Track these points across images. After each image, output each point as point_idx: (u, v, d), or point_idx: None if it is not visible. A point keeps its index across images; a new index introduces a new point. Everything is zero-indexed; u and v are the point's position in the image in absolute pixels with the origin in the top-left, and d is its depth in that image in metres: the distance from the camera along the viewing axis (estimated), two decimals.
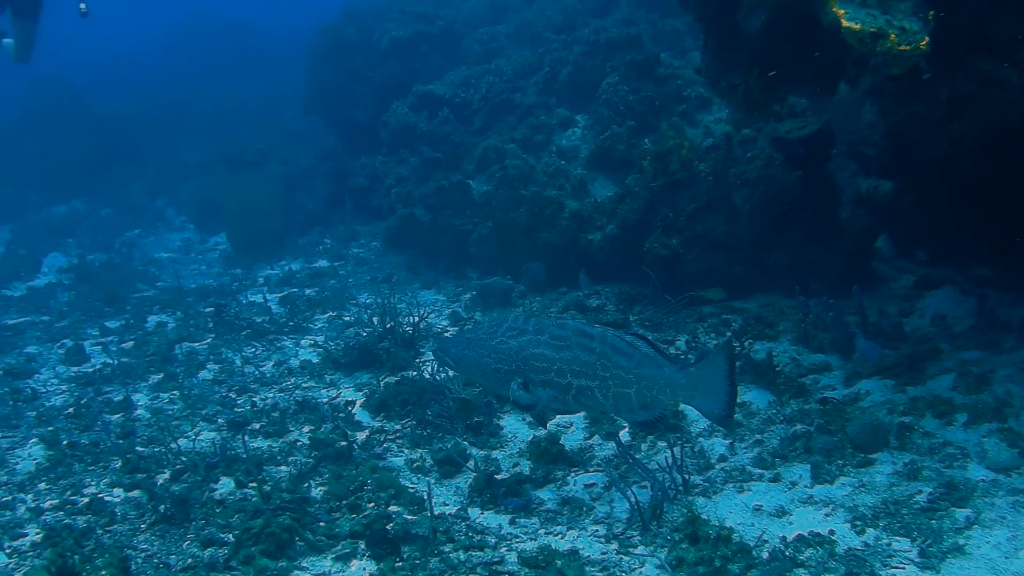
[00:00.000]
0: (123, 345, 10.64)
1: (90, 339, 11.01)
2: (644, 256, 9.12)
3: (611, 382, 5.67)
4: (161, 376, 9.29)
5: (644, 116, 11.33)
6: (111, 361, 9.94)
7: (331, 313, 10.76)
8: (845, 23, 5.16)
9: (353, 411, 7.65)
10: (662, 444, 6.55)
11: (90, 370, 9.82)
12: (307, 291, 11.95)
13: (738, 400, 6.88)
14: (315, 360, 9.21)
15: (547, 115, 12.26)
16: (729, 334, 7.38)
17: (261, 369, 9.22)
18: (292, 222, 15.29)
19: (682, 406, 6.68)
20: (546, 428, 6.73)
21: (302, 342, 9.92)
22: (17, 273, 15.47)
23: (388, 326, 9.00)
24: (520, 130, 12.19)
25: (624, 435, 6.74)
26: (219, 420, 7.92)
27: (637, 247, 9.28)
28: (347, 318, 10.45)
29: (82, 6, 12.52)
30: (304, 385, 8.60)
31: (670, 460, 5.96)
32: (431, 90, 13.81)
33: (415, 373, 8.24)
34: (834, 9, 5.22)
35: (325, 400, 8.04)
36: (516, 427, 7.13)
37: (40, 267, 15.97)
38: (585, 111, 12.14)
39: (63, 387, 9.41)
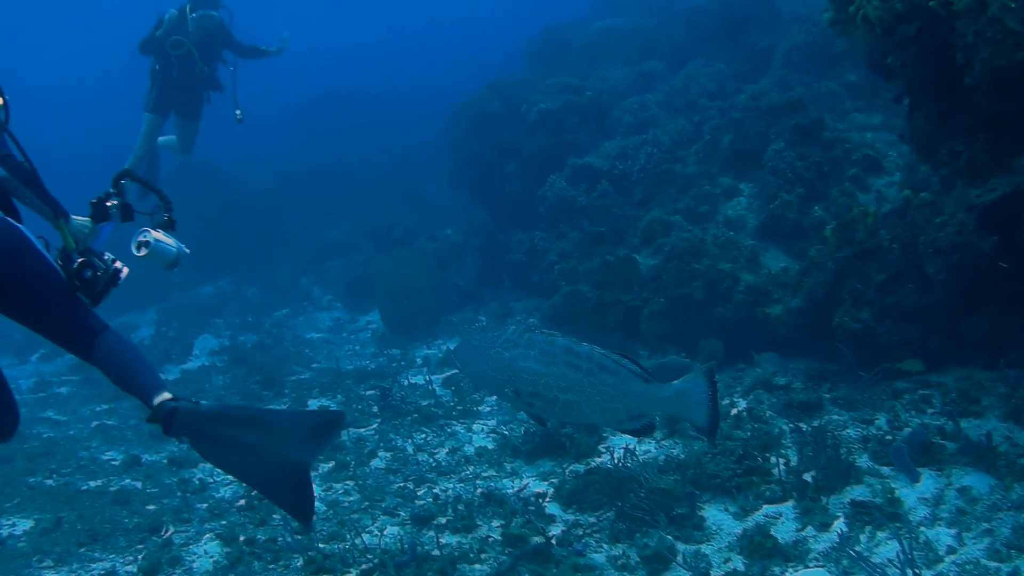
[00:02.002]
0: None
1: None
2: (834, 331, 8.69)
3: (598, 397, 6.22)
4: (332, 465, 9.06)
5: (812, 182, 10.96)
6: None
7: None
8: None
9: (544, 503, 7.33)
10: (881, 534, 6.12)
11: None
12: None
13: (915, 473, 6.50)
14: (490, 446, 8.93)
15: (710, 184, 11.95)
16: (713, 362, 7.04)
17: (435, 456, 8.94)
18: (445, 300, 15.11)
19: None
20: (546, 426, 7.87)
21: (474, 427, 9.63)
22: (169, 356, 15.57)
23: None
24: (683, 201, 11.88)
25: (840, 524, 6.32)
26: (401, 513, 7.63)
27: (823, 321, 8.84)
28: None
29: (237, 113, 13.70)
30: (484, 474, 8.27)
31: (898, 553, 5.54)
32: (588, 162, 13.61)
33: (600, 460, 7.94)
34: None
35: (511, 491, 7.72)
36: (720, 518, 6.74)
37: (192, 349, 16.02)
38: (749, 179, 11.81)
39: (229, 477, 9.21)
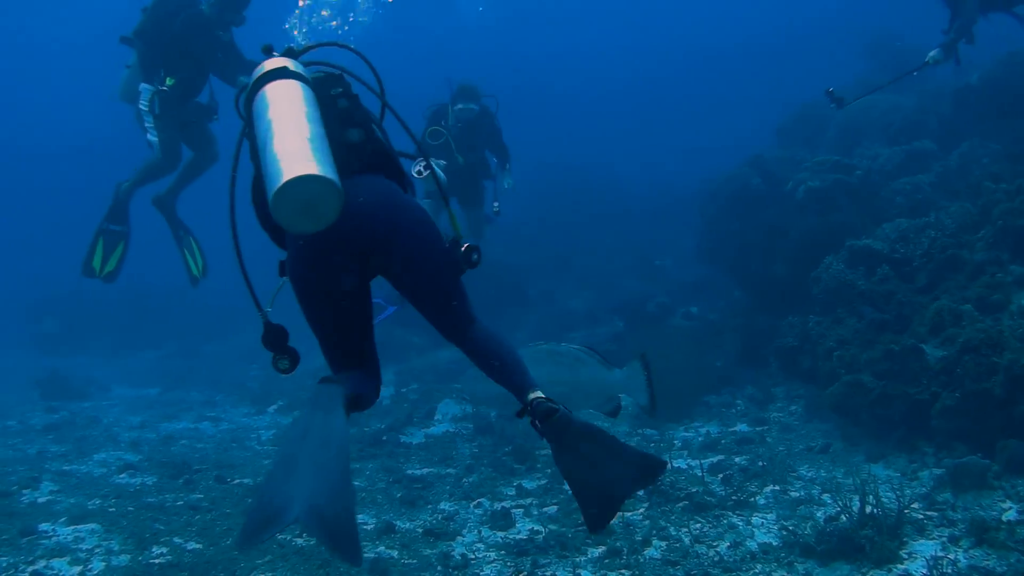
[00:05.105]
0: (545, 510, 10.11)
1: (507, 499, 10.57)
2: None
3: (581, 384, 7.52)
4: (602, 550, 8.66)
5: None
6: (539, 528, 9.45)
7: (773, 486, 9.95)
8: None
9: None
10: None
11: (520, 537, 9.30)
12: (736, 459, 11.18)
13: None
14: (775, 543, 8.39)
15: (1002, 272, 11.26)
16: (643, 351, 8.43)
17: (715, 550, 8.43)
18: (702, 381, 14.65)
19: None
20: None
21: (752, 519, 9.11)
22: (411, 419, 15.45)
23: (869, 511, 8.12)
24: (972, 289, 11.21)
25: None
26: None
27: None
28: (794, 494, 9.63)
29: (495, 205, 14.51)
30: (774, 575, 7.80)
31: None
32: (867, 245, 13.00)
33: (902, 566, 7.39)
34: None
35: None
36: None
37: (434, 414, 15.90)
38: None
39: (491, 554, 8.88)
